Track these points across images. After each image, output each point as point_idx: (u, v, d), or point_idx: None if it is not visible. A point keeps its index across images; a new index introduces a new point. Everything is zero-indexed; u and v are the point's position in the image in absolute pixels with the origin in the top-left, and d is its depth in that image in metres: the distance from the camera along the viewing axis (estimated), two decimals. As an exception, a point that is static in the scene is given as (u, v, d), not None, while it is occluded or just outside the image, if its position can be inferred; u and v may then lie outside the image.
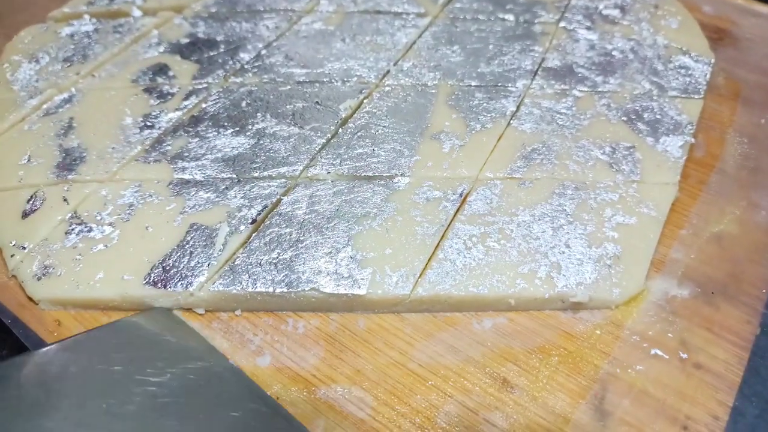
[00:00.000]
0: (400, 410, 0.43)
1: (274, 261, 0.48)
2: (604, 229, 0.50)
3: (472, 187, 0.53)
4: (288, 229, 0.50)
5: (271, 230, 0.50)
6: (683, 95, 0.62)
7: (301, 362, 0.46)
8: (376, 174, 0.54)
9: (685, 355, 0.45)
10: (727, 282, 0.50)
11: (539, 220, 0.51)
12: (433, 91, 0.61)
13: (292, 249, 0.49)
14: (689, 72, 0.64)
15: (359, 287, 0.47)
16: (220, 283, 0.47)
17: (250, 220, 0.50)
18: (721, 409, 0.43)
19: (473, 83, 0.62)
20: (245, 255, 0.48)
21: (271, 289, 0.46)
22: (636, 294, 0.48)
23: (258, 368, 0.45)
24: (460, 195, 0.52)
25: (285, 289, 0.46)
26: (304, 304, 0.47)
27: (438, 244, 0.49)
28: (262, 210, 0.51)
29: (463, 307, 0.47)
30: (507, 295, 0.47)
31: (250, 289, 0.46)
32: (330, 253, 0.48)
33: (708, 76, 0.64)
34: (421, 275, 0.47)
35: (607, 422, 0.42)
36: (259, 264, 0.48)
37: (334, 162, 0.54)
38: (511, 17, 0.70)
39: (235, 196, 0.52)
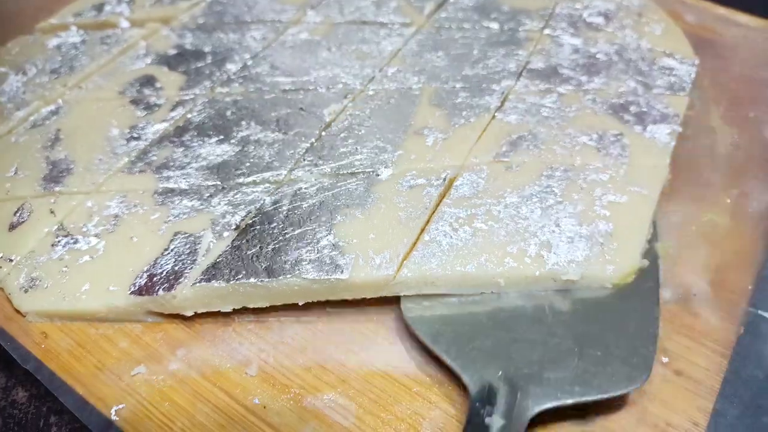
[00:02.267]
0: (384, 418, 0.43)
1: (256, 254, 0.48)
2: (595, 208, 0.50)
3: (458, 172, 0.53)
4: (270, 225, 0.50)
5: (253, 228, 0.50)
6: (668, 92, 0.62)
7: (287, 372, 0.46)
8: (359, 170, 0.54)
9: (665, 364, 0.45)
10: (711, 279, 0.50)
11: (527, 201, 0.50)
12: (417, 93, 0.61)
13: (274, 242, 0.48)
14: (674, 72, 0.65)
15: (341, 272, 0.46)
16: (202, 279, 0.46)
17: (233, 226, 0.50)
18: (700, 415, 0.43)
19: (457, 85, 0.62)
20: (227, 253, 0.48)
21: (252, 279, 0.46)
22: (630, 272, 0.47)
23: (246, 378, 0.45)
24: (444, 180, 0.52)
25: (266, 278, 0.46)
26: (287, 294, 0.47)
27: (423, 227, 0.49)
28: (245, 215, 0.51)
29: (451, 288, 0.47)
30: (496, 274, 0.46)
31: (231, 282, 0.46)
32: (312, 242, 0.48)
33: (693, 75, 0.64)
34: (405, 257, 0.47)
35: (588, 429, 0.42)
36: (241, 258, 0.48)
37: (318, 163, 0.55)
38: (495, 25, 0.70)
39: (219, 203, 0.52)
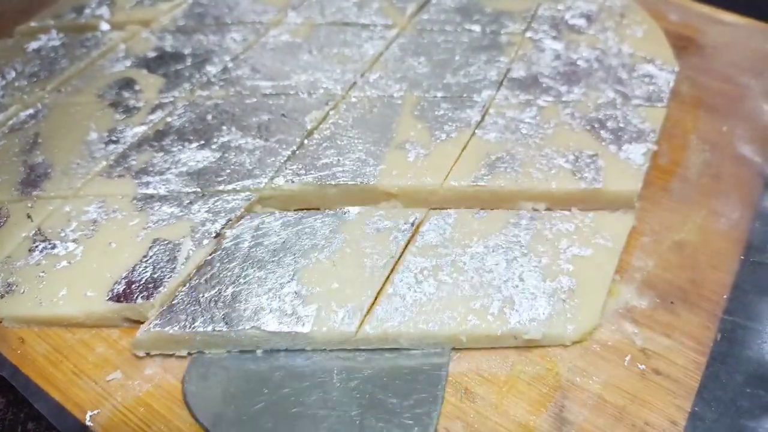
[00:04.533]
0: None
1: (214, 298, 0.47)
2: (559, 261, 0.49)
3: (424, 216, 0.53)
4: (230, 264, 0.49)
5: (212, 266, 0.49)
6: (646, 103, 0.62)
7: (264, 376, 0.46)
8: (341, 182, 0.54)
9: (644, 363, 0.46)
10: (687, 289, 0.50)
11: (493, 252, 0.50)
12: (399, 102, 0.61)
13: (233, 285, 0.47)
14: (653, 80, 0.65)
15: (303, 325, 0.45)
16: (157, 324, 0.45)
17: (213, 234, 0.50)
18: (679, 414, 0.43)
19: (439, 94, 0.62)
20: (184, 294, 0.47)
21: (209, 328, 0.45)
22: (590, 330, 0.47)
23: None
24: (412, 224, 0.52)
25: (224, 328, 0.45)
26: (245, 342, 0.46)
27: (387, 277, 0.48)
28: (226, 223, 0.51)
29: (413, 344, 0.46)
30: (459, 332, 0.45)
31: (187, 330, 0.45)
32: (273, 288, 0.47)
33: (671, 84, 0.65)
34: (368, 312, 0.46)
35: (567, 430, 0.42)
36: (198, 302, 0.46)
37: (299, 172, 0.55)
38: (477, 28, 0.71)
39: (199, 210, 0.52)
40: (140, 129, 0.59)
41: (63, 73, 0.66)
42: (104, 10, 0.74)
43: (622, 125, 0.60)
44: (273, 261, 0.49)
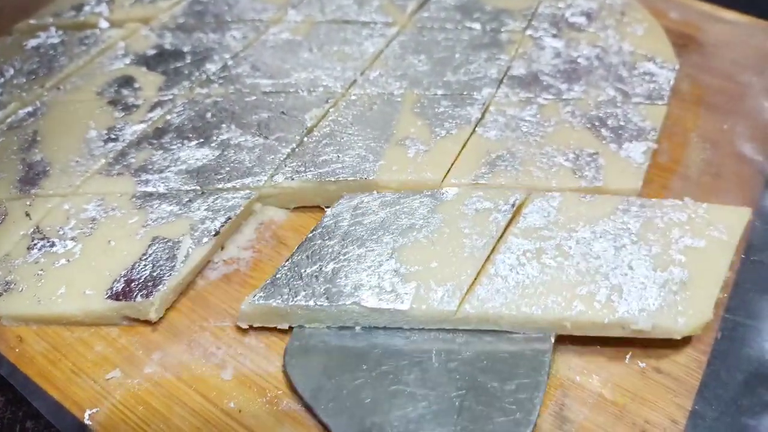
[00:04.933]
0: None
1: (315, 274, 0.47)
2: (670, 252, 0.47)
3: (526, 198, 0.51)
4: (330, 242, 0.49)
5: (314, 242, 0.49)
6: (647, 101, 0.62)
7: (264, 374, 0.46)
8: (340, 179, 0.53)
9: (644, 362, 0.46)
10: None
11: (600, 237, 0.48)
12: (399, 99, 0.61)
13: (333, 262, 0.48)
14: (653, 78, 0.65)
15: (402, 302, 0.45)
16: (261, 296, 0.46)
17: (213, 232, 0.50)
18: (679, 412, 0.43)
19: (439, 92, 0.62)
20: (287, 268, 0.48)
21: (311, 303, 0.45)
22: (701, 325, 0.44)
23: (222, 381, 0.45)
24: (512, 205, 0.50)
25: (325, 303, 0.45)
26: (343, 318, 0.46)
27: (488, 258, 0.47)
28: (225, 222, 0.51)
29: (514, 327, 0.45)
30: (563, 318, 0.44)
31: (290, 303, 0.45)
32: (372, 266, 0.47)
33: (672, 81, 0.65)
34: (469, 291, 0.46)
35: (567, 429, 0.42)
36: (300, 277, 0.47)
37: (299, 170, 0.54)
38: (478, 26, 0.70)
39: (199, 209, 0.52)
40: (139, 127, 0.59)
41: (62, 71, 0.66)
42: (103, 8, 0.74)
43: (622, 123, 0.60)
44: (372, 239, 0.49)
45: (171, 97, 0.62)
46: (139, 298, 0.46)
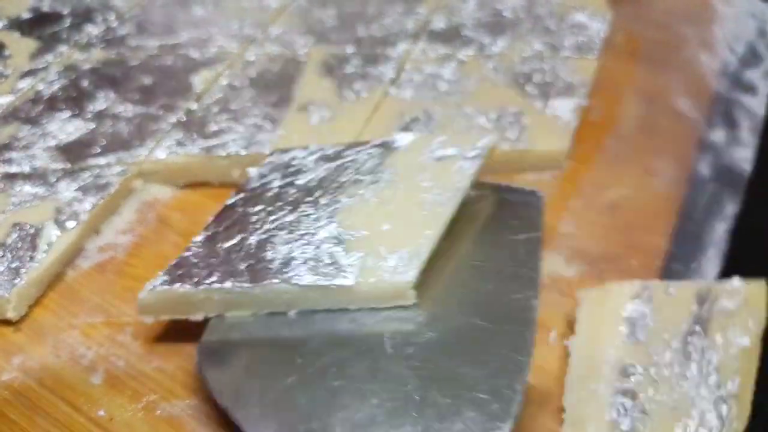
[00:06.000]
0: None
1: (235, 249, 0.38)
2: None
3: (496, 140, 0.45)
4: (255, 208, 0.41)
5: (234, 211, 0.41)
6: (577, 55, 0.58)
7: (138, 377, 0.40)
8: (232, 153, 0.47)
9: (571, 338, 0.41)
10: (619, 255, 0.46)
11: None
12: (304, 59, 0.56)
13: (258, 232, 0.39)
14: (584, 30, 0.61)
15: (345, 276, 0.36)
16: (165, 281, 0.37)
17: (81, 215, 0.44)
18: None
19: (349, 49, 0.57)
20: (198, 244, 0.39)
21: (228, 285, 0.37)
22: None
23: (91, 386, 0.39)
24: (483, 150, 0.43)
25: (248, 283, 0.36)
26: (274, 301, 0.37)
27: (452, 215, 0.39)
28: (96, 202, 0.45)
29: None
30: None
31: (201, 287, 0.37)
32: (307, 234, 0.38)
33: (604, 33, 0.61)
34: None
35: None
36: (215, 254, 0.38)
37: (184, 142, 0.48)
38: (395, -22, 0.65)
39: (67, 189, 0.46)
40: (6, 99, 0.52)
41: None
42: (-27, -32, 0.66)
43: (549, 80, 0.55)
44: (306, 201, 0.40)
45: (45, 65, 0.56)
46: (-7, 293, 0.40)
